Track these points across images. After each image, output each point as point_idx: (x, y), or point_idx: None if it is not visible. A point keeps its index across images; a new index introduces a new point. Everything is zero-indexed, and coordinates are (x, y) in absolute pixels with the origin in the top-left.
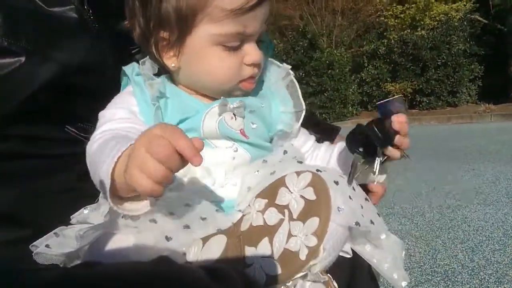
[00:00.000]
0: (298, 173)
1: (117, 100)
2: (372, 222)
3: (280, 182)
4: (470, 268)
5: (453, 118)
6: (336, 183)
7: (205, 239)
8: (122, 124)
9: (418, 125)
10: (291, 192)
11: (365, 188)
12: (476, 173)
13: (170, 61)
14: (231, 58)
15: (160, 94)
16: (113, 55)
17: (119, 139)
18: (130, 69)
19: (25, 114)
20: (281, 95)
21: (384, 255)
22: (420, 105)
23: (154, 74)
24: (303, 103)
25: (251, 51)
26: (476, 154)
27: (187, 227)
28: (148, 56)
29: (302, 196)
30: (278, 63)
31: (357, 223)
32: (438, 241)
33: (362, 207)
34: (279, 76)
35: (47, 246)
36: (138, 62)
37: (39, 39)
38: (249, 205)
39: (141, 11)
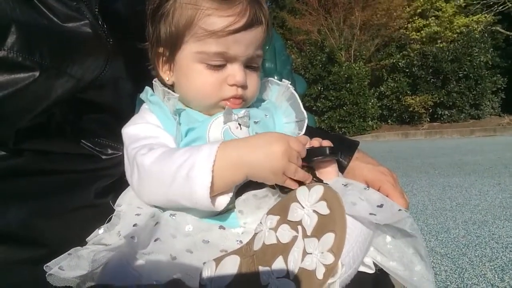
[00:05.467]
0: (309, 187)
1: (138, 117)
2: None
3: (291, 197)
4: None
5: (476, 131)
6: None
7: (218, 260)
8: (156, 140)
9: (440, 138)
10: (303, 207)
11: None
12: (502, 188)
13: (165, 75)
14: (213, 76)
15: (176, 109)
16: (128, 71)
17: (186, 149)
18: (143, 93)
19: (39, 129)
20: (283, 107)
21: (410, 264)
22: (442, 118)
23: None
24: (305, 113)
25: (234, 73)
26: (502, 168)
27: (189, 251)
28: (156, 79)
29: (315, 211)
30: (278, 81)
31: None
32: (464, 259)
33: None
34: (280, 92)
35: (60, 267)
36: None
37: (53, 54)
38: (260, 223)
39: (150, 31)
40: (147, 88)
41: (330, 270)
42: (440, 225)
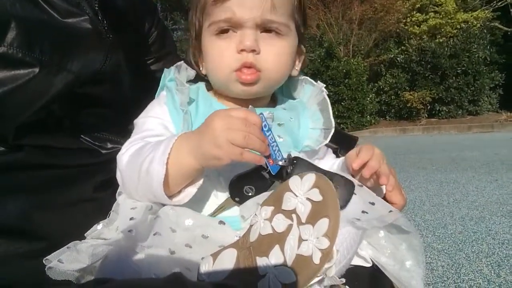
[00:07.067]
0: (301, 176)
1: (150, 107)
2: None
3: (284, 187)
4: (497, 284)
5: (473, 127)
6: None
7: (215, 255)
8: (150, 139)
9: (437, 134)
10: (297, 196)
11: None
12: (499, 184)
13: (201, 66)
14: (224, 45)
15: (190, 100)
16: (128, 64)
17: (154, 143)
18: (166, 73)
19: (39, 124)
20: (312, 111)
21: (401, 260)
22: (440, 114)
23: (192, 80)
24: (333, 121)
25: (242, 37)
26: (499, 164)
27: (188, 246)
28: (183, 61)
29: (308, 199)
30: (313, 81)
31: (365, 211)
32: (461, 255)
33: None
34: (313, 94)
35: (59, 261)
36: (155, 71)
37: (53, 50)
38: (255, 214)
39: (191, 34)
40: (171, 68)
41: (326, 254)
42: (437, 221)
